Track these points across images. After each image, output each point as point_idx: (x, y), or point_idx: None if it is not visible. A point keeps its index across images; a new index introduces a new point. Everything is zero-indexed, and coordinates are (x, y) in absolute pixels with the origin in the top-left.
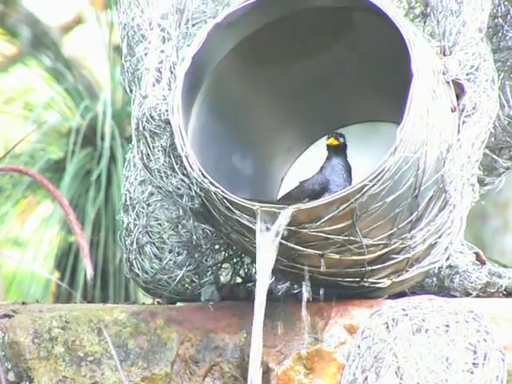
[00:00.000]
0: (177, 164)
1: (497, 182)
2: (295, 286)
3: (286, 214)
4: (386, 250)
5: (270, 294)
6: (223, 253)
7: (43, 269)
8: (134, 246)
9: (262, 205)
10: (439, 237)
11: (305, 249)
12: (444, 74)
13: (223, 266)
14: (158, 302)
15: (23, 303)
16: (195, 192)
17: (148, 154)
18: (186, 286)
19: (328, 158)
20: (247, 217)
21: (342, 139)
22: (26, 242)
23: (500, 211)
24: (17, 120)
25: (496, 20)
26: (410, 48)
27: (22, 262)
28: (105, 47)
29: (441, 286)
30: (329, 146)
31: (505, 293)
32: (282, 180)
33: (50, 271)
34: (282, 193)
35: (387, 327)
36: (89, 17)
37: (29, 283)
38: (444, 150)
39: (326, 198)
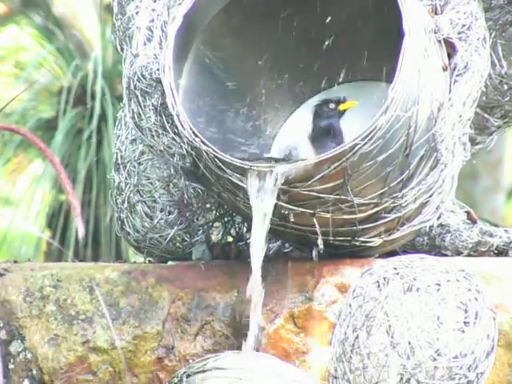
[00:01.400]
0: (168, 123)
1: (488, 140)
2: (286, 244)
3: (281, 173)
4: (377, 208)
5: None
6: (214, 212)
7: (34, 227)
8: (125, 204)
9: (254, 164)
10: (430, 196)
11: (296, 208)
12: (435, 32)
13: (214, 224)
14: (150, 261)
15: (15, 262)
16: (186, 151)
17: (139, 113)
18: (177, 244)
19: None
20: (238, 176)
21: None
22: (17, 200)
23: (491, 170)
24: (8, 79)
25: None
26: (401, 6)
27: (13, 221)
28: (95, 6)
29: (432, 244)
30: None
31: (496, 252)
32: (273, 139)
33: (41, 230)
34: (274, 150)
35: (378, 286)
36: None
37: (20, 242)
38: (435, 108)
39: (317, 157)
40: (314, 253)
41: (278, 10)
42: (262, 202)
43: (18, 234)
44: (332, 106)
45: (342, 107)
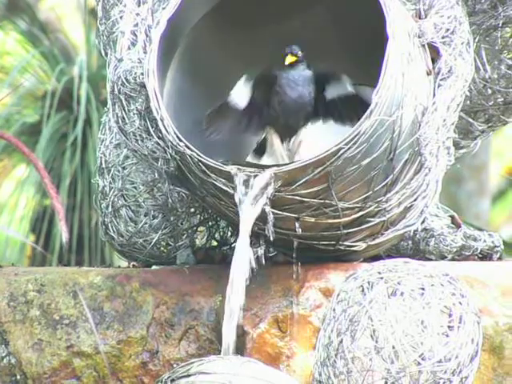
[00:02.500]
0: (152, 127)
1: (472, 145)
2: (270, 249)
3: (267, 178)
4: (361, 213)
5: None
6: (199, 216)
7: (18, 232)
8: (110, 209)
9: (239, 167)
10: (414, 200)
11: (280, 212)
12: (419, 37)
13: (199, 229)
14: (134, 266)
15: None
16: (170, 155)
17: (123, 117)
18: (162, 249)
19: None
20: (223, 180)
21: (299, 52)
22: (1, 205)
23: (475, 174)
24: None
25: None
26: (385, 11)
27: None
28: (80, 10)
29: (416, 249)
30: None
31: (480, 256)
32: (257, 143)
33: (25, 234)
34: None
35: (362, 290)
36: None
37: (4, 246)
38: (419, 113)
39: (300, 161)
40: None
41: (262, 15)
42: (248, 207)
43: (1, 239)
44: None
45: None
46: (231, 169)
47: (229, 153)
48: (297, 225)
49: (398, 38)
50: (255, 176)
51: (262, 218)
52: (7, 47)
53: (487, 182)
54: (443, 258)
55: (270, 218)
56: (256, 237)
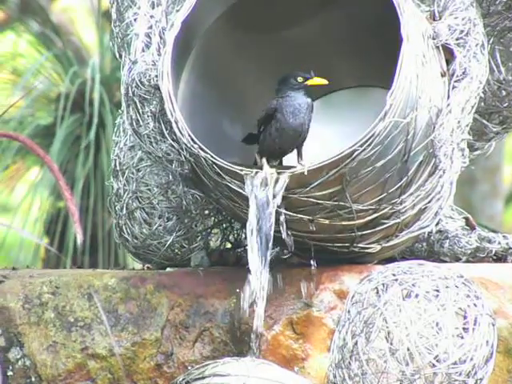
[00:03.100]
0: (166, 129)
1: (486, 146)
2: (285, 251)
3: (283, 181)
4: (375, 215)
5: None
6: (213, 218)
7: (32, 234)
8: (124, 211)
9: (253, 170)
10: (429, 202)
11: (295, 214)
12: (434, 38)
13: (213, 231)
14: (148, 268)
15: (13, 268)
16: (185, 157)
17: (138, 120)
18: (176, 251)
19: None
20: (237, 182)
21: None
22: (16, 207)
23: (489, 176)
24: (5, 86)
25: None
26: (399, 13)
27: (11, 228)
28: (93, 12)
29: (430, 251)
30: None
31: (494, 258)
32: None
33: (39, 236)
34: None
35: (377, 292)
36: None
37: (18, 248)
38: (434, 114)
39: (315, 164)
40: (312, 262)
41: (276, 17)
42: (265, 209)
43: (16, 241)
44: (300, 79)
45: (309, 82)
46: (240, 169)
47: (243, 155)
48: (312, 226)
49: (412, 40)
50: (269, 178)
51: (276, 220)
52: (20, 49)
53: (501, 183)
54: (458, 259)
55: (282, 218)
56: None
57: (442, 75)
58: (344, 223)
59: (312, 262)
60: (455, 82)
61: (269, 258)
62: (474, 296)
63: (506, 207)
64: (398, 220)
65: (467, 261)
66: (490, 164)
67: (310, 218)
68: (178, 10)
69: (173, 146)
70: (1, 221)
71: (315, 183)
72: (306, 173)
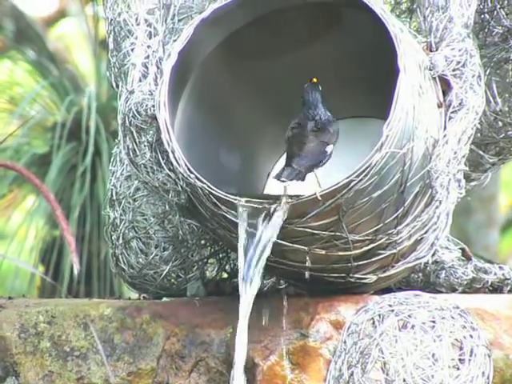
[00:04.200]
0: (163, 159)
1: (483, 177)
2: (281, 281)
3: (281, 212)
4: (372, 245)
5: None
6: (209, 248)
7: (28, 263)
8: (120, 241)
9: (247, 199)
10: (425, 232)
11: (291, 244)
12: (430, 69)
13: (209, 261)
14: (144, 297)
15: (9, 298)
16: (181, 187)
17: (134, 149)
18: (172, 281)
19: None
20: (234, 212)
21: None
22: (11, 235)
23: (485, 206)
24: (1, 114)
25: (482, 16)
26: (396, 44)
27: (6, 256)
28: (89, 41)
29: (427, 281)
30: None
31: (490, 289)
32: (268, 175)
33: (34, 265)
34: (268, 188)
35: (373, 323)
36: (73, 10)
37: (14, 277)
38: (430, 145)
39: (310, 195)
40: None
41: (272, 47)
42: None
43: (11, 269)
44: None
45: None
46: (239, 200)
47: (239, 185)
48: (307, 258)
49: (408, 71)
50: (265, 208)
51: (273, 250)
52: (16, 77)
53: (496, 213)
54: (454, 290)
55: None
56: (266, 269)
57: (439, 106)
58: (340, 253)
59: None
60: (452, 112)
61: (255, 287)
62: (470, 327)
63: (502, 237)
64: (395, 250)
65: (463, 291)
66: (485, 194)
67: (306, 248)
68: (174, 40)
69: (169, 175)
70: None
71: (312, 213)
72: (319, 197)
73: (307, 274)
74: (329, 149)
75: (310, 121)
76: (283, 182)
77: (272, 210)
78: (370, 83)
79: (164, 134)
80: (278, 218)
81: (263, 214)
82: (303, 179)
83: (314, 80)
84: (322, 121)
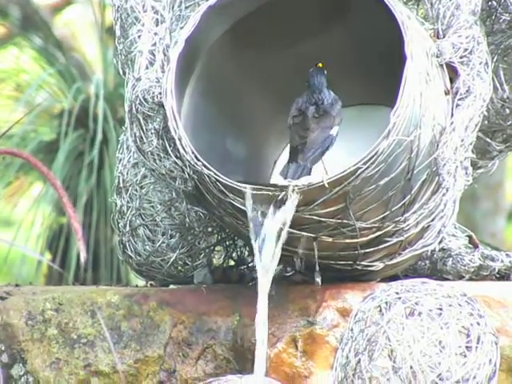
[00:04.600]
0: (170, 146)
1: (490, 165)
2: (288, 268)
3: (293, 199)
4: (378, 233)
5: None
6: (216, 235)
7: (35, 250)
8: (127, 228)
9: (255, 187)
10: (432, 220)
11: (298, 232)
12: (437, 56)
13: (216, 248)
14: (151, 285)
15: (16, 285)
16: (188, 175)
17: (141, 137)
18: (179, 268)
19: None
20: (240, 200)
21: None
22: (18, 223)
23: (491, 193)
24: (8, 101)
25: (490, 3)
26: (403, 31)
27: (13, 243)
28: (96, 28)
29: (434, 269)
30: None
31: (498, 276)
32: (274, 163)
33: (41, 252)
34: (275, 176)
35: (380, 310)
36: None
37: (20, 264)
38: (437, 133)
39: (318, 182)
40: (317, 279)
41: (279, 36)
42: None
43: (18, 256)
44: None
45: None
46: (247, 188)
47: (246, 172)
48: (315, 245)
49: (415, 58)
50: (272, 195)
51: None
52: (22, 64)
53: (503, 200)
54: (461, 278)
55: (283, 236)
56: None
57: (446, 93)
58: (347, 241)
59: (316, 281)
60: (459, 100)
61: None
62: (477, 314)
63: (508, 224)
64: (402, 238)
65: (470, 279)
66: (492, 181)
67: (314, 235)
68: (181, 28)
69: (176, 163)
70: (3, 236)
71: (319, 201)
72: (326, 185)
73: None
74: (333, 131)
75: (312, 105)
76: (290, 181)
77: (282, 197)
78: (377, 70)
79: (171, 122)
80: (292, 204)
81: (273, 202)
82: (309, 173)
83: (320, 65)
84: (323, 105)
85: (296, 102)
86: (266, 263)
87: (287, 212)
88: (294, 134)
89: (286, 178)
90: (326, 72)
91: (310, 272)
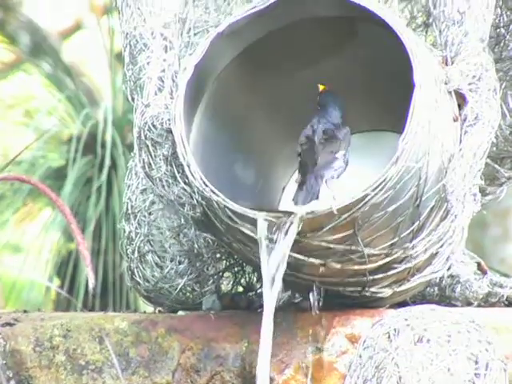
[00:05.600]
0: (178, 173)
1: (498, 191)
2: (296, 295)
3: (295, 224)
4: (387, 259)
5: None
6: (224, 262)
7: (43, 276)
8: (136, 254)
9: (267, 214)
10: (441, 246)
11: (306, 258)
12: (446, 83)
13: (224, 274)
14: (159, 311)
15: (25, 311)
16: (197, 201)
17: (150, 163)
18: (188, 294)
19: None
20: (249, 226)
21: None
22: (27, 249)
23: (500, 220)
24: (17, 127)
25: (498, 30)
26: (412, 58)
27: (22, 270)
28: (105, 54)
29: (442, 295)
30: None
31: (506, 303)
32: (283, 189)
33: (50, 278)
34: (284, 202)
35: (389, 337)
36: (88, 23)
37: (29, 290)
38: (446, 159)
39: (327, 208)
40: (312, 301)
41: (288, 62)
42: (280, 253)
43: (26, 282)
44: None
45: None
46: (257, 214)
47: (255, 199)
48: (321, 270)
49: (424, 85)
50: (282, 222)
51: (289, 264)
52: (31, 91)
53: None
54: (469, 304)
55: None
56: (282, 283)
57: (454, 120)
58: (356, 267)
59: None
60: (467, 126)
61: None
62: (485, 341)
63: None
64: (410, 264)
65: (479, 305)
66: (500, 207)
67: (322, 262)
68: (190, 54)
69: (185, 189)
70: (12, 262)
71: (327, 227)
72: (335, 211)
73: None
74: (339, 155)
75: (319, 130)
76: (301, 207)
77: (286, 224)
78: (386, 97)
79: (179, 148)
80: (292, 232)
81: (281, 228)
82: (317, 197)
83: (321, 87)
84: (329, 128)
85: (304, 129)
86: (275, 290)
87: (289, 237)
88: (303, 161)
89: (296, 204)
90: (337, 96)
91: (317, 298)
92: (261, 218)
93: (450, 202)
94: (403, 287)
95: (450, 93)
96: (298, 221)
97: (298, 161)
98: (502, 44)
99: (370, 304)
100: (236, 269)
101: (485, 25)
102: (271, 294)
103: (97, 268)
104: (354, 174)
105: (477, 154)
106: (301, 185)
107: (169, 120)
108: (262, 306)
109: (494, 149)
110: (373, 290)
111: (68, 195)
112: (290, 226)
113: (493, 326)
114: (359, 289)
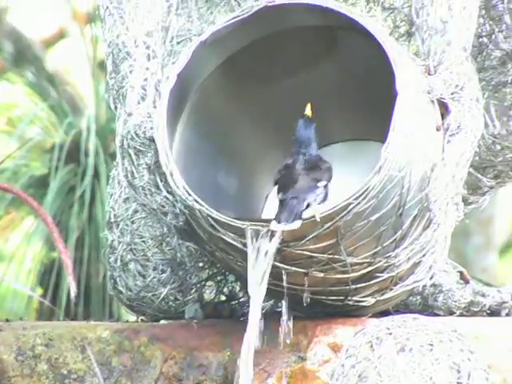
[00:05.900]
0: (161, 181)
1: (481, 200)
2: (279, 303)
3: (279, 234)
4: (370, 268)
5: None
6: (207, 271)
7: (26, 285)
8: (118, 263)
9: (248, 222)
10: (423, 255)
11: (289, 267)
12: (429, 93)
13: (207, 283)
14: (142, 320)
15: (7, 320)
16: (179, 210)
17: (132, 172)
18: (170, 303)
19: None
20: (232, 235)
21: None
22: (9, 257)
23: (483, 229)
24: (0, 136)
25: (481, 39)
26: (394, 67)
27: (4, 278)
28: (88, 62)
29: (425, 304)
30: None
31: (488, 312)
32: (266, 197)
33: (32, 287)
34: (266, 210)
35: (371, 346)
36: (71, 31)
37: (11, 299)
38: (428, 168)
39: (309, 218)
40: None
41: (270, 71)
42: (262, 262)
43: (9, 291)
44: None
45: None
46: (241, 223)
47: (237, 207)
48: (305, 280)
49: (407, 94)
50: (265, 231)
51: (272, 273)
52: (14, 99)
53: (494, 236)
54: (452, 313)
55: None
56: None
57: (437, 129)
58: (338, 276)
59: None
60: (450, 136)
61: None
62: (467, 350)
63: (500, 259)
64: (393, 273)
65: (461, 315)
66: (483, 216)
67: (305, 271)
68: (173, 63)
69: (167, 198)
70: None
71: (310, 236)
72: (318, 219)
73: (304, 297)
74: (321, 184)
75: (300, 158)
76: (285, 224)
77: (269, 234)
78: (369, 106)
79: (162, 157)
80: (274, 241)
81: (266, 237)
82: (301, 217)
83: (308, 111)
84: (312, 158)
85: (284, 159)
86: (257, 298)
87: (272, 246)
88: (281, 185)
89: (279, 223)
90: (314, 123)
91: (300, 307)
92: (248, 226)
93: (432, 211)
94: (386, 296)
95: (432, 102)
96: (280, 231)
97: (276, 186)
98: (484, 53)
99: (353, 313)
100: (219, 278)
101: (468, 34)
102: (257, 302)
103: (79, 277)
104: (336, 183)
105: (459, 163)
106: (281, 203)
107: (151, 129)
108: (244, 315)
109: (477, 158)
110: (355, 298)
111: (51, 204)
112: (272, 236)
113: (475, 335)
114: (342, 298)
